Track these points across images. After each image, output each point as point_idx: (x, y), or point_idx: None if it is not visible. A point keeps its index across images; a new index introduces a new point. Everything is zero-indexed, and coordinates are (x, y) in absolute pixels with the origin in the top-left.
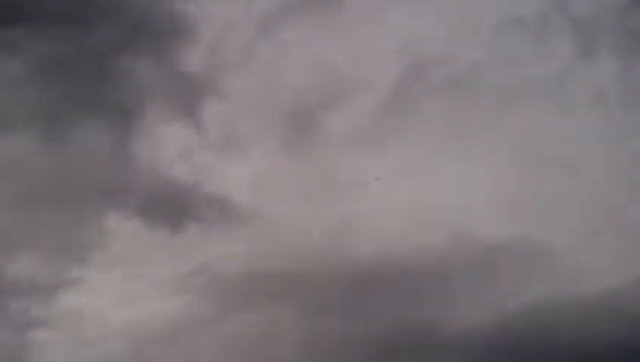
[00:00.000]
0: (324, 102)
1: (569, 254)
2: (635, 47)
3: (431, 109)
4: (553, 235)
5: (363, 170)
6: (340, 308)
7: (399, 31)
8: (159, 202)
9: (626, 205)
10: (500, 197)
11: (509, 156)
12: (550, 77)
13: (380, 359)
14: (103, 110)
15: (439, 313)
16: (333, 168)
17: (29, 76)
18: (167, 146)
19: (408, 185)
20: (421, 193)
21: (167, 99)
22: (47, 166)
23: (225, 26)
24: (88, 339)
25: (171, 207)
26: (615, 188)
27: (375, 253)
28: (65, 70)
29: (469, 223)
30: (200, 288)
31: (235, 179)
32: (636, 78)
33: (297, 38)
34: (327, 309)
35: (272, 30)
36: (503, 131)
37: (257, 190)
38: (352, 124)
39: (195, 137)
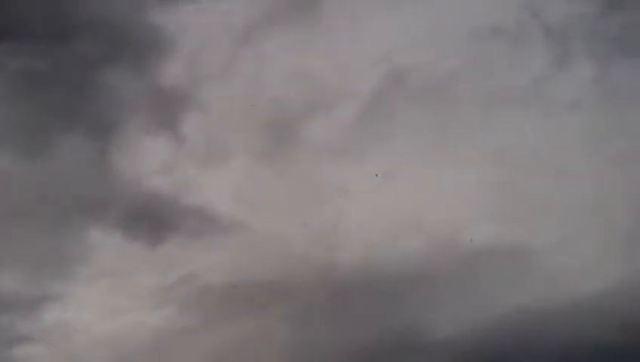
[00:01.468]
0: (305, 112)
1: (553, 258)
2: (609, 53)
3: (411, 116)
4: (536, 239)
5: (345, 178)
6: (325, 315)
7: (378, 39)
8: (141, 215)
9: (609, 208)
10: (482, 202)
11: (489, 162)
12: (528, 83)
13: None
14: (82, 124)
15: (424, 318)
16: (315, 177)
17: (7, 90)
18: (148, 159)
19: (390, 192)
20: (403, 200)
21: (147, 112)
22: (27, 181)
23: (204, 37)
24: (74, 353)
25: (153, 220)
26: (597, 191)
27: (359, 259)
28: (44, 84)
29: (452, 228)
30: (184, 299)
31: (217, 190)
32: (612, 83)
33: (276, 48)
34: (313, 317)
35: (251, 41)
36: (483, 137)
37: (239, 200)
38: (333, 133)
39: (176, 149)
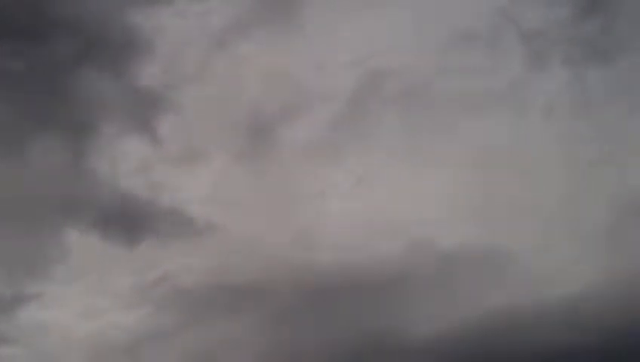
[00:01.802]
0: (281, 114)
1: (527, 260)
2: (584, 57)
3: (388, 119)
4: (511, 242)
5: (321, 181)
6: (301, 318)
7: (355, 42)
8: (117, 216)
9: (582, 211)
10: (459, 204)
11: (466, 164)
12: (503, 87)
13: None
14: (58, 124)
15: (399, 321)
16: (292, 179)
17: None
18: (124, 160)
19: (367, 195)
20: (379, 202)
21: (123, 113)
22: (3, 181)
23: (181, 39)
24: (50, 353)
25: (130, 221)
26: (571, 195)
27: (335, 262)
28: (19, 85)
29: (428, 232)
30: (160, 300)
31: (193, 192)
32: (587, 87)
33: (253, 50)
34: (288, 320)
35: (228, 43)
36: (459, 140)
37: (216, 202)
38: (309, 135)
39: (152, 151)
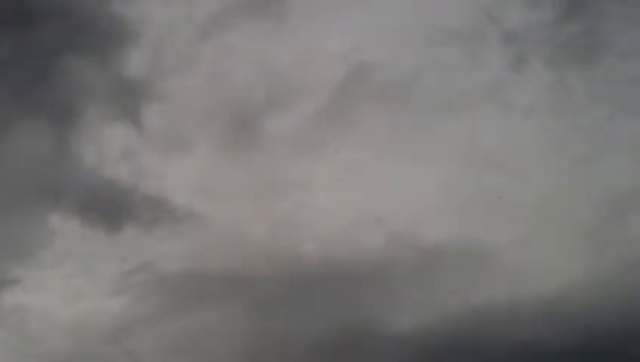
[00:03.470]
0: (267, 105)
1: (510, 256)
2: (566, 58)
3: (372, 113)
4: (494, 237)
5: (305, 173)
6: (282, 307)
7: (341, 36)
8: (100, 202)
9: (564, 210)
10: (442, 200)
11: (448, 160)
12: (485, 86)
13: (322, 359)
14: (43, 110)
15: (381, 314)
16: (276, 170)
17: None
18: (109, 147)
19: (350, 188)
20: (363, 195)
21: (108, 100)
22: None
23: (167, 28)
24: (32, 337)
25: (113, 207)
26: (552, 194)
27: (317, 254)
28: (5, 70)
29: (411, 225)
30: (142, 287)
31: (177, 180)
32: (567, 88)
33: (240, 40)
34: (269, 309)
35: (214, 33)
36: (443, 137)
37: (199, 191)
38: (294, 127)
39: (137, 139)
